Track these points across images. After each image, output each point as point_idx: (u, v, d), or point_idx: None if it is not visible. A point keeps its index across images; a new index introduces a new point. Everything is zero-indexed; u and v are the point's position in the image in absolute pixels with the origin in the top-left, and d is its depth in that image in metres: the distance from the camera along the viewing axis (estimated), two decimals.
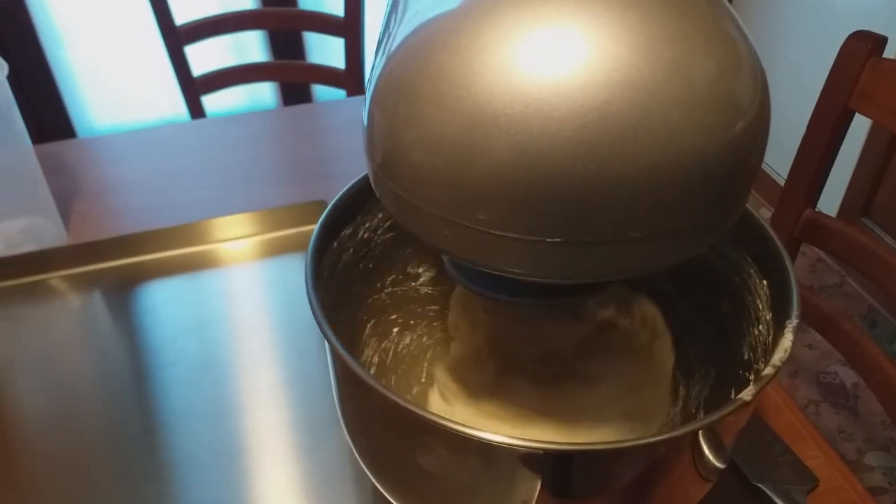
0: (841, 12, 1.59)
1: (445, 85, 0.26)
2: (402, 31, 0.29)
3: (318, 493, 0.49)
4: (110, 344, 0.61)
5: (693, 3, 0.26)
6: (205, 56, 1.27)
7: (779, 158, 1.77)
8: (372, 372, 0.49)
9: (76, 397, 0.56)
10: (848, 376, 1.38)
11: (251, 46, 1.85)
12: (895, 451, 1.25)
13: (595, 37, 0.25)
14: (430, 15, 0.28)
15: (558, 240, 0.26)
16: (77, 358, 0.59)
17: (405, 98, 0.28)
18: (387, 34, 0.31)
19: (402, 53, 0.28)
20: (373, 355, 0.49)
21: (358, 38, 1.22)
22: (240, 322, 0.63)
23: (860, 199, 1.59)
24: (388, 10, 0.33)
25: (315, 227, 0.40)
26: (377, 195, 0.33)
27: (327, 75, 1.27)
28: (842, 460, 0.51)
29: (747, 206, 0.38)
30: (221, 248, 0.71)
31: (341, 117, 0.96)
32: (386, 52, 0.30)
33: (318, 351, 0.59)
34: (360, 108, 0.31)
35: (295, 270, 0.69)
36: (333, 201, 0.42)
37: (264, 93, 1.98)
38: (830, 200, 1.64)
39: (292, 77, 1.37)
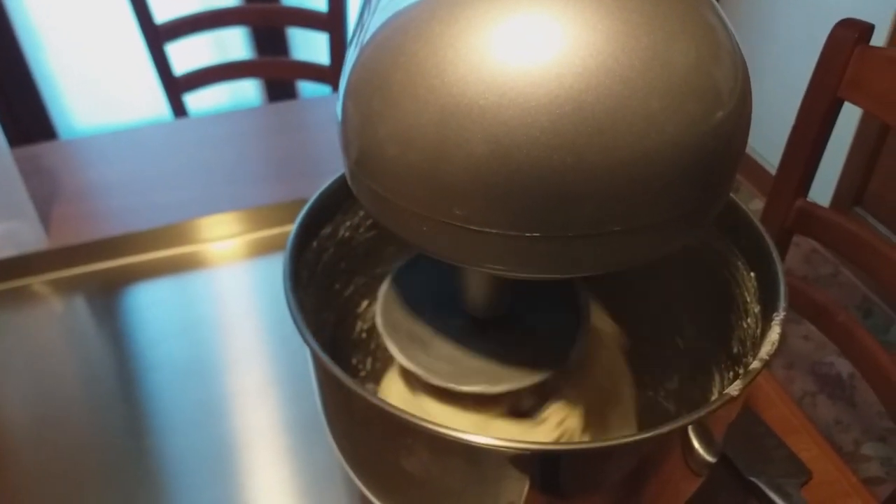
0: (828, 1, 1.58)
1: (418, 76, 0.25)
2: (375, 21, 0.28)
3: (308, 495, 0.48)
4: (95, 348, 0.60)
5: None
6: (187, 54, 1.26)
7: (770, 148, 1.77)
8: (363, 374, 0.49)
9: (61, 403, 0.55)
10: (844, 367, 1.37)
11: (234, 43, 1.84)
12: (892, 441, 1.25)
13: (570, 24, 0.24)
14: (403, 4, 0.27)
15: (537, 235, 0.26)
16: (61, 363, 0.58)
17: (378, 90, 0.27)
18: (360, 24, 0.30)
19: (375, 44, 0.28)
20: (364, 358, 0.49)
21: (342, 33, 1.21)
22: (226, 323, 0.62)
23: (852, 188, 1.59)
24: (363, 0, 0.32)
25: (292, 228, 0.39)
26: (354, 192, 0.32)
27: (312, 71, 1.26)
28: (836, 452, 0.51)
29: (735, 198, 0.38)
30: (206, 249, 0.70)
31: (327, 113, 0.95)
32: (359, 42, 0.29)
33: (306, 351, 0.58)
34: None
35: (280, 270, 0.68)
36: (311, 201, 0.41)
37: (248, 90, 1.96)
38: (823, 190, 1.64)
39: (276, 74, 1.35)
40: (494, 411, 0.38)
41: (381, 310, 0.40)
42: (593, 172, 0.24)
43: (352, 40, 0.30)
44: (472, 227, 0.26)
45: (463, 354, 0.37)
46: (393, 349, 0.38)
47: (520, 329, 0.39)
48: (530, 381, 0.36)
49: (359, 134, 0.29)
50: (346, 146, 0.30)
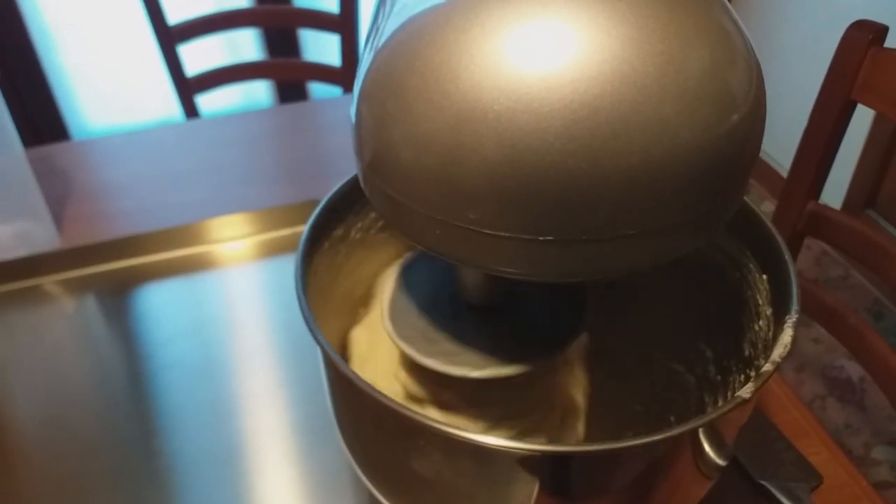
0: (842, 2, 1.57)
1: (433, 81, 0.25)
2: (389, 26, 0.29)
3: (317, 496, 0.48)
4: (106, 348, 0.60)
5: None
6: (198, 55, 1.27)
7: (782, 151, 1.77)
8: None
9: (72, 403, 0.55)
10: (854, 370, 1.37)
11: (245, 45, 1.85)
12: None
13: (585, 30, 0.24)
14: (418, 9, 0.27)
15: (551, 238, 0.26)
16: (72, 363, 0.59)
17: (393, 94, 0.27)
18: (375, 28, 0.30)
19: (390, 48, 0.28)
20: None
21: (353, 35, 1.21)
22: (236, 324, 0.62)
23: (864, 190, 1.58)
24: (377, 3, 0.32)
25: (304, 230, 0.39)
26: (367, 195, 0.32)
27: (323, 72, 1.27)
28: (846, 456, 0.50)
29: (746, 199, 0.37)
30: (217, 250, 0.70)
31: (337, 115, 0.95)
32: (374, 46, 0.29)
33: (316, 352, 0.58)
34: None
35: (291, 271, 0.68)
36: (323, 202, 0.41)
37: (259, 91, 1.97)
38: (835, 193, 1.63)
39: (287, 75, 1.36)
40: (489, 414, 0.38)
41: (388, 302, 0.40)
42: (607, 177, 0.24)
43: (366, 43, 0.31)
44: (485, 231, 0.26)
45: (461, 344, 0.38)
46: (403, 345, 0.38)
47: (515, 319, 0.39)
48: (515, 369, 0.36)
49: (373, 137, 0.29)
50: (360, 149, 0.30)
